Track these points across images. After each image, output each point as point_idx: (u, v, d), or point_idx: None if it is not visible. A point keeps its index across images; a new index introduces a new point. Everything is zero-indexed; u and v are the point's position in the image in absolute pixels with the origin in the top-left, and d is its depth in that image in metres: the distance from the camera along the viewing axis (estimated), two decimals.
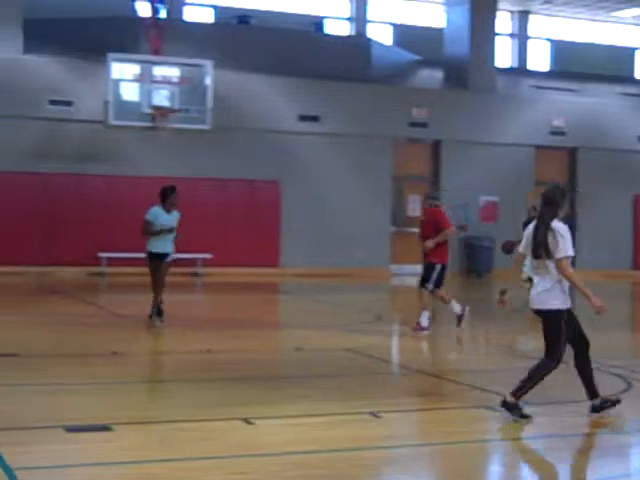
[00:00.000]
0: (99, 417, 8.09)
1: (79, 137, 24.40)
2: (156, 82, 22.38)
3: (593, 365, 8.52)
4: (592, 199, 29.34)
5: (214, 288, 23.23)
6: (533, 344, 12.18)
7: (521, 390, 8.31)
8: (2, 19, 24.28)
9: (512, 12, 36.59)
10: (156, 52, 23.08)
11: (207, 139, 24.02)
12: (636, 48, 39.33)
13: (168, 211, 14.22)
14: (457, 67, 29.27)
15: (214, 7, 31.79)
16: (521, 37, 37.01)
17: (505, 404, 8.30)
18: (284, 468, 6.81)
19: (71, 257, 24.16)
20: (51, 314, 16.14)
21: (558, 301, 8.25)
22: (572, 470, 7.36)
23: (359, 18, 33.97)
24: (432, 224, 14.49)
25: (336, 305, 19.12)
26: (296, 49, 27.82)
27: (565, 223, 8.35)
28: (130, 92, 22.37)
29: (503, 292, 8.78)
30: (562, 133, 29.70)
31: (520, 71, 34.92)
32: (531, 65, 36.73)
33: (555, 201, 8.38)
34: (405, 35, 34.02)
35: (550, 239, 8.21)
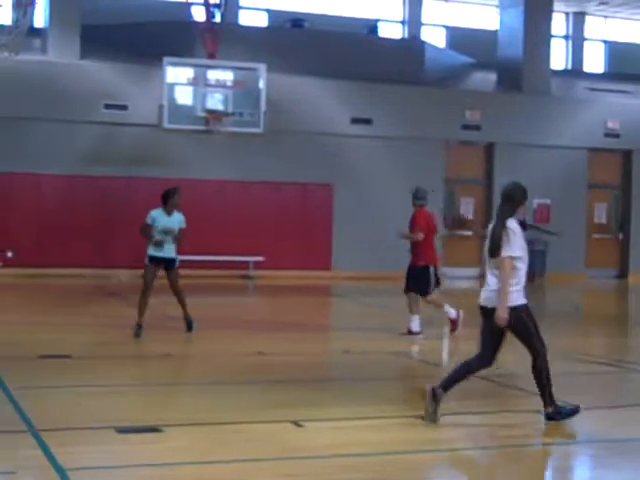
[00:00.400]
0: (149, 418, 8.18)
1: (134, 141, 24.64)
2: (210, 86, 22.56)
3: None
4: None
5: (265, 291, 23.33)
6: (594, 349, 12.09)
7: (546, 396, 8.19)
8: (61, 25, 24.65)
9: (567, 13, 36.28)
10: (211, 56, 23.24)
11: (260, 142, 24.13)
12: None
13: (169, 213, 13.81)
14: (511, 69, 29.09)
15: (268, 11, 31.90)
16: (576, 39, 36.67)
17: (548, 416, 8.22)
18: (332, 471, 6.84)
19: (126, 259, 24.36)
20: (104, 316, 16.30)
21: (513, 297, 8.13)
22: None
23: (413, 21, 33.87)
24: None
25: (386, 308, 19.09)
26: (349, 52, 27.83)
27: (520, 222, 8.28)
28: (184, 96, 22.56)
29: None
30: (617, 135, 29.41)
31: (575, 73, 34.60)
32: (586, 67, 36.40)
33: (515, 199, 8.30)
34: (459, 37, 33.85)
35: (504, 237, 8.14)
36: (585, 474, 7.48)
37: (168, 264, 13.71)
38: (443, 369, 12.03)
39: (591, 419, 8.25)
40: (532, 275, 27.47)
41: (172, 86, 22.31)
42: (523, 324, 8.16)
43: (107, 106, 24.48)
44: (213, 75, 22.68)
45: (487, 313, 8.23)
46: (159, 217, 13.72)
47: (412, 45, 30.67)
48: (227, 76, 22.82)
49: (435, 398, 8.15)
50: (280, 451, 7.31)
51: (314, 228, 26.29)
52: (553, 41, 30.41)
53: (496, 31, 30.42)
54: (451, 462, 7.34)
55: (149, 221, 13.71)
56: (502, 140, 28.21)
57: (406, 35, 33.37)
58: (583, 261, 29.11)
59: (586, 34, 36.89)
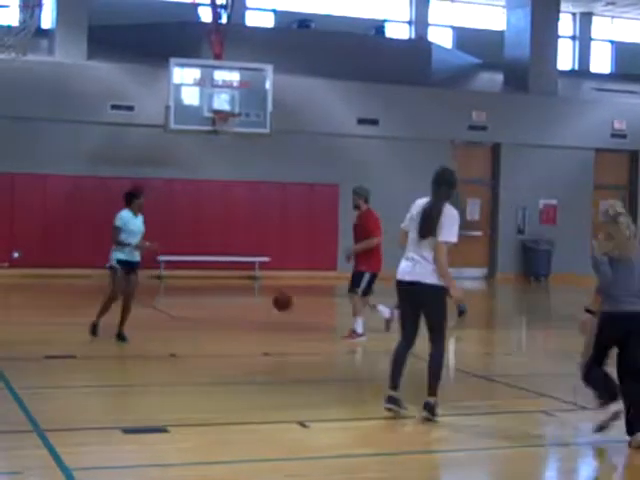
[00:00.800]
0: (155, 419, 8.19)
1: (140, 141, 24.65)
2: (217, 86, 22.56)
3: None
4: None
5: (271, 291, 23.27)
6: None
7: (437, 388, 8.37)
8: (68, 26, 24.67)
9: (574, 14, 36.24)
10: (217, 56, 23.24)
11: (267, 143, 24.13)
12: None
13: (136, 214, 13.04)
14: (517, 70, 29.07)
15: (274, 11, 31.90)
16: (583, 39, 36.62)
17: (429, 406, 8.29)
18: (338, 471, 6.86)
19: None
20: (111, 316, 16.30)
21: (436, 279, 8.18)
22: None
23: (419, 21, 33.84)
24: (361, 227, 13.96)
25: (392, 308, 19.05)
26: (356, 53, 27.81)
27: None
28: (191, 96, 22.56)
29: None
30: (623, 136, 29.37)
31: (582, 73, 34.57)
32: (593, 67, 36.36)
33: (452, 183, 8.45)
34: (465, 38, 33.83)
35: (442, 221, 8.22)
36: (587, 475, 7.48)
37: (135, 268, 13.08)
38: (449, 369, 12.05)
39: (593, 420, 8.23)
40: (537, 275, 27.49)
41: (179, 87, 22.32)
42: (443, 308, 8.29)
43: (114, 107, 24.49)
44: (220, 76, 22.69)
45: (413, 290, 8.26)
46: (130, 219, 12.97)
47: (419, 46, 30.65)
48: (234, 77, 22.83)
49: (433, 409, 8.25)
50: (286, 451, 7.33)
51: (320, 229, 26.28)
52: (560, 41, 30.37)
53: (503, 31, 30.40)
54: (455, 462, 7.34)
55: (119, 223, 12.91)
56: (508, 140, 28.19)
57: (413, 36, 33.36)
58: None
59: (593, 34, 36.84)
